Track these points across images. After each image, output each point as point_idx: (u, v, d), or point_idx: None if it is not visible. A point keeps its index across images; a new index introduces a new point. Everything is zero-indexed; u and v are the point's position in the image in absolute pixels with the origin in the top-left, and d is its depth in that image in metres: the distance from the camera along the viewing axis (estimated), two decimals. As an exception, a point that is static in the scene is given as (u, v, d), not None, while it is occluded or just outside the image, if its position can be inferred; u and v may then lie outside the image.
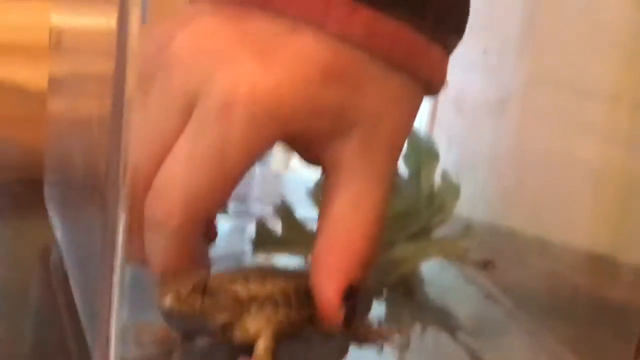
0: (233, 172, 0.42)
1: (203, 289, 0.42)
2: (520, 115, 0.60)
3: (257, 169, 0.74)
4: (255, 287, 0.44)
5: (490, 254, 0.60)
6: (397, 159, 0.47)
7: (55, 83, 0.56)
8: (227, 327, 0.43)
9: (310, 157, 0.46)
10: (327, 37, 0.42)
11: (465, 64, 0.64)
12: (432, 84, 0.46)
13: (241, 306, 0.43)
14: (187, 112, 0.42)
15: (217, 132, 0.41)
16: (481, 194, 0.63)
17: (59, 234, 0.55)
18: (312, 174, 0.53)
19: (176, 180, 0.42)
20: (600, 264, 0.53)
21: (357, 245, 0.45)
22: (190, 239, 0.43)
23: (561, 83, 0.56)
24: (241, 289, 0.44)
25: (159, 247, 0.43)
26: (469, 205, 0.62)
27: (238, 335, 0.44)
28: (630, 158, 0.52)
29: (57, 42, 0.55)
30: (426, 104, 0.66)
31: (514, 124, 0.61)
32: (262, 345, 0.43)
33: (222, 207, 0.44)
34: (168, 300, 0.41)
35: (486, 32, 0.63)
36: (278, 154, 0.76)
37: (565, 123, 0.56)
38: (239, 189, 0.55)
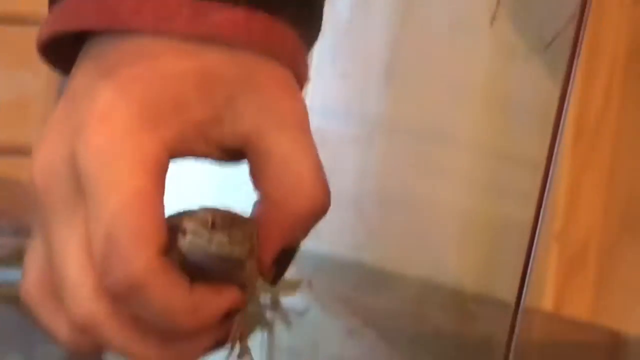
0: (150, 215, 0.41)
1: (250, 236, 0.39)
2: (382, 156, 0.61)
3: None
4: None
5: (353, 289, 0.60)
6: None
7: None
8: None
9: (224, 153, 0.45)
10: (195, 42, 0.41)
11: (326, 91, 0.64)
12: (299, 72, 0.46)
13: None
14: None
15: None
16: (345, 230, 0.63)
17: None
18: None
19: (111, 239, 0.40)
20: (465, 300, 0.54)
21: (301, 209, 0.44)
22: (163, 271, 0.41)
23: (422, 127, 0.57)
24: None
25: (148, 298, 0.40)
26: (334, 241, 0.62)
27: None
28: (493, 203, 0.53)
29: None
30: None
31: (376, 163, 0.61)
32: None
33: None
34: (226, 244, 0.38)
35: (347, 56, 0.64)
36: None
37: (427, 167, 0.57)
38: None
